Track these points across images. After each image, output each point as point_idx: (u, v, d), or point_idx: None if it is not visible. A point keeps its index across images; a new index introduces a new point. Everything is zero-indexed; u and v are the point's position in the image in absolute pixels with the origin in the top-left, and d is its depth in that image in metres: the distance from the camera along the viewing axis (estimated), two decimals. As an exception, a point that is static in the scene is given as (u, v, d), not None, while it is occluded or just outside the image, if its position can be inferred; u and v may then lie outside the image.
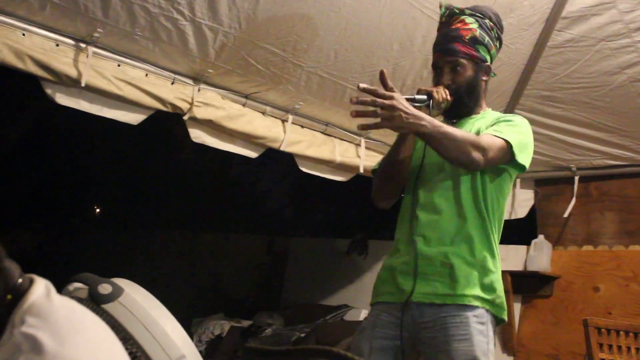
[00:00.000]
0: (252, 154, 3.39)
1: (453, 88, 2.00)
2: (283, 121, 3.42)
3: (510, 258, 4.15)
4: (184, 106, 2.99)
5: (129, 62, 2.80)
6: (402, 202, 2.13)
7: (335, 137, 3.68)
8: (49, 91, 2.64)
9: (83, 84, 2.61)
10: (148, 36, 2.70)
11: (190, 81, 3.02)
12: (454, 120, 2.09)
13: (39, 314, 0.96)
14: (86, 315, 1.04)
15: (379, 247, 5.35)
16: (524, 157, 1.97)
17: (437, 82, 2.04)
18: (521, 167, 1.98)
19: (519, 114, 3.83)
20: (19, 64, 2.46)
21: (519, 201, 4.29)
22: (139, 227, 9.52)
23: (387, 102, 1.71)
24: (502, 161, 1.94)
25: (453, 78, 2.00)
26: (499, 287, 2.00)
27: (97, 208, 11.68)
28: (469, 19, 2.01)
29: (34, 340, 0.91)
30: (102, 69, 2.70)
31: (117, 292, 1.33)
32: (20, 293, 1.00)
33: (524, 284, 4.11)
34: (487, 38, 2.02)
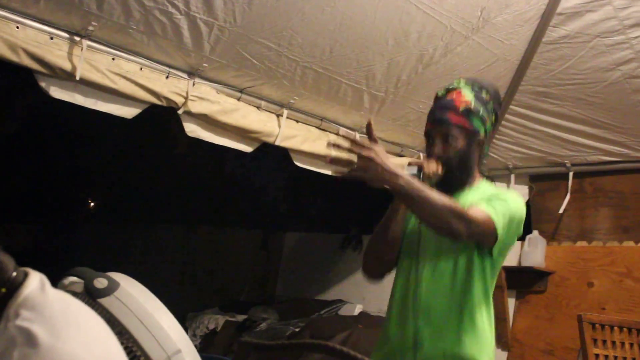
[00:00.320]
0: (247, 149, 3.39)
1: (444, 159, 1.90)
2: (278, 116, 3.42)
3: (504, 253, 4.15)
4: (179, 100, 2.98)
5: (124, 55, 2.79)
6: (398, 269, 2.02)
7: (330, 131, 3.68)
8: (43, 84, 2.62)
9: (77, 78, 2.60)
10: (143, 30, 2.69)
11: (184, 75, 3.01)
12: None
13: (34, 307, 0.96)
14: (81, 309, 1.03)
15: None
16: (503, 244, 1.85)
17: (428, 152, 1.94)
18: (492, 255, 1.86)
19: (513, 109, 3.84)
20: (13, 57, 2.45)
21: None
22: (135, 221, 9.52)
23: (364, 152, 1.60)
24: (487, 240, 1.81)
25: (444, 148, 1.90)
26: None
27: (93, 202, 11.67)
28: (465, 90, 1.93)
29: (29, 333, 0.91)
30: (97, 63, 2.69)
31: (113, 286, 1.33)
32: (15, 286, 1.00)
33: (518, 280, 4.12)
34: (482, 110, 1.92)
